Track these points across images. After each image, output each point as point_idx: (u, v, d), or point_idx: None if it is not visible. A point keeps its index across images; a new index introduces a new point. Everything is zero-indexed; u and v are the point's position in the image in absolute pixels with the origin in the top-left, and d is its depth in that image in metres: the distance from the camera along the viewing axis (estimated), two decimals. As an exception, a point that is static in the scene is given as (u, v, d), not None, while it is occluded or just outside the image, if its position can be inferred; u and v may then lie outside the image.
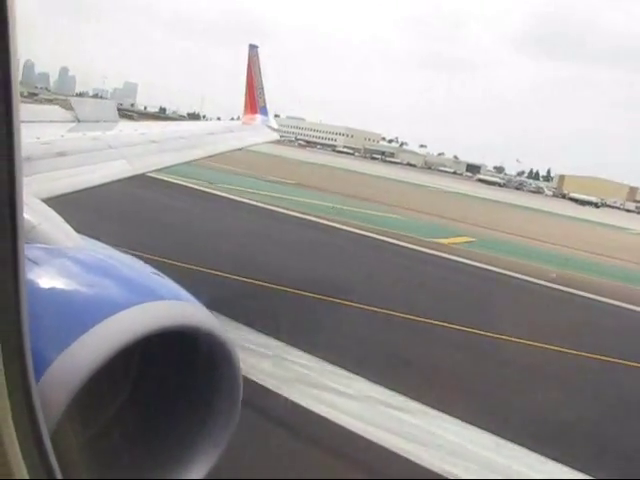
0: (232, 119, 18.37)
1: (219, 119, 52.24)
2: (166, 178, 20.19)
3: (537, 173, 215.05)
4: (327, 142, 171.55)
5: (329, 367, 7.26)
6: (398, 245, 18.09)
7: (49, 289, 1.83)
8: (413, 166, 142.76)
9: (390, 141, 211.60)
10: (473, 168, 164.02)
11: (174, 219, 16.17)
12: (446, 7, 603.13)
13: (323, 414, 6.03)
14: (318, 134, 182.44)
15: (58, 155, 4.49)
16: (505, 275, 16.15)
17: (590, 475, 5.75)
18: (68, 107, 6.23)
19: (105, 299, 1.85)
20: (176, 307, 1.91)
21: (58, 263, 2.01)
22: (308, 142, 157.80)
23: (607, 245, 29.97)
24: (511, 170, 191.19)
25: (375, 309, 10.17)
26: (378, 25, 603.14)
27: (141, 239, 11.25)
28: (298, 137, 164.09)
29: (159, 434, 2.07)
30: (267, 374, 6.72)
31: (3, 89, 1.04)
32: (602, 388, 8.86)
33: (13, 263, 1.12)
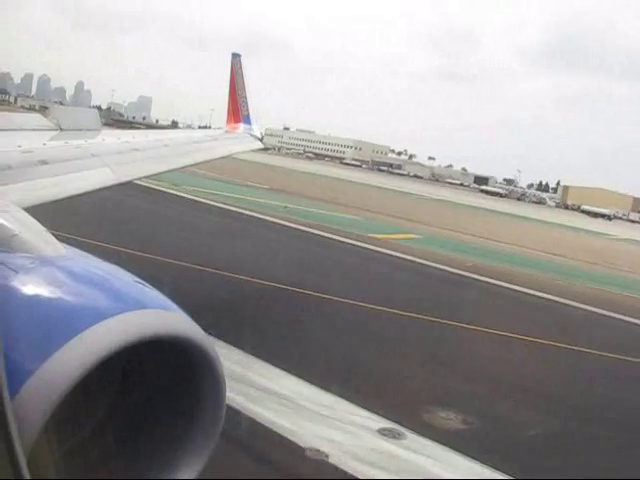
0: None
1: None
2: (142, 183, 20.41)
3: (547, 185, 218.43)
4: (336, 154, 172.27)
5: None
6: (330, 238, 18.96)
7: (29, 298, 1.81)
8: (419, 178, 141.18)
9: (399, 153, 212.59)
10: (481, 180, 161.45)
11: (129, 215, 16.89)
12: (460, 22, 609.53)
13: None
14: (327, 146, 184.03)
15: (40, 163, 4.43)
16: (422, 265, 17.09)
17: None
18: (50, 116, 6.17)
19: (88, 308, 1.83)
20: (159, 316, 1.90)
21: (39, 272, 1.99)
22: (317, 155, 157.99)
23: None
24: (523, 182, 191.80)
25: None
26: (392, 40, 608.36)
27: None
28: (307, 150, 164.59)
29: (144, 443, 2.05)
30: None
31: None
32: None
33: None
